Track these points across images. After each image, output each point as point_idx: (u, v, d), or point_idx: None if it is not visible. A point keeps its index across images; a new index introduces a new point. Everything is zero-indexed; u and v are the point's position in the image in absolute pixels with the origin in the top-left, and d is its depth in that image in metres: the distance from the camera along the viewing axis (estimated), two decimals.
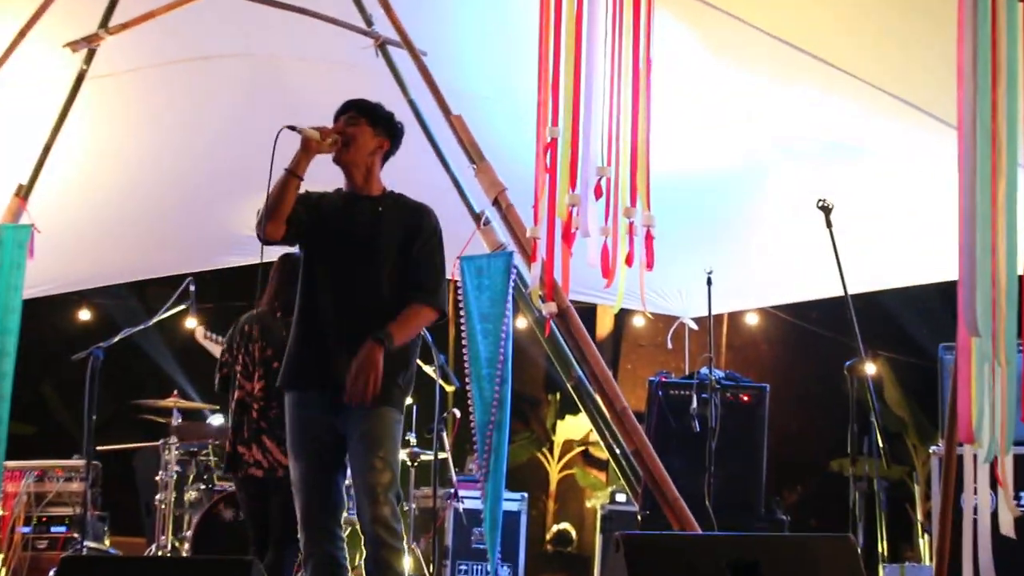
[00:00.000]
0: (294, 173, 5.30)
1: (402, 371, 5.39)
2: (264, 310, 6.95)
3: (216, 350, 7.84)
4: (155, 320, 8.31)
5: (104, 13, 7.90)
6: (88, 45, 7.94)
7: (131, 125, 9.28)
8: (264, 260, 6.32)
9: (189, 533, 8.35)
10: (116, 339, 7.90)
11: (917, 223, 9.19)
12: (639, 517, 8.02)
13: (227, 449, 6.82)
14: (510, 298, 7.61)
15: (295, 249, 5.72)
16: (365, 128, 5.49)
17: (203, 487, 8.77)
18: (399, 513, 5.22)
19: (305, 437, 5.35)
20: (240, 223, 10.75)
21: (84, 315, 13.73)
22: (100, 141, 9.26)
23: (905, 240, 9.58)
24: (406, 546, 5.22)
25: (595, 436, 10.70)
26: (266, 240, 5.37)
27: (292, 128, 5.28)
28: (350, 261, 5.39)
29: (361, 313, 5.32)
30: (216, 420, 9.67)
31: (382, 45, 7.77)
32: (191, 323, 8.65)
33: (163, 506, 8.67)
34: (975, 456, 3.77)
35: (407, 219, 5.49)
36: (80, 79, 8.11)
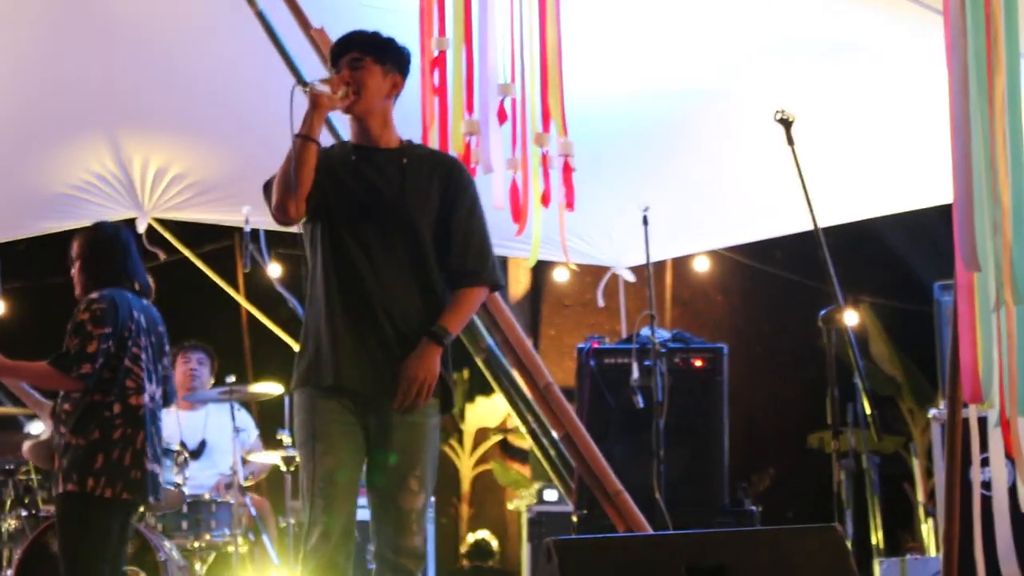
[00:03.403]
0: (311, 137, 5.31)
1: (445, 367, 5.45)
2: (129, 295, 6.95)
3: None
4: None
5: None
6: None
7: None
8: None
9: (10, 572, 8.28)
10: None
11: (902, 135, 9.24)
12: (574, 518, 8.06)
13: (132, 468, 6.79)
14: None
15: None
16: (374, 68, 5.49)
17: (25, 513, 8.69)
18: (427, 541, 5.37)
19: (335, 428, 5.38)
20: (57, 178, 10.62)
21: None
22: None
23: (888, 157, 9.63)
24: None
25: (514, 421, 10.72)
26: (288, 221, 5.39)
27: (304, 86, 5.31)
28: (382, 230, 5.43)
29: (404, 295, 5.41)
30: (35, 428, 9.57)
31: None
32: None
33: None
34: (984, 419, 3.80)
35: (439, 175, 5.53)
36: None
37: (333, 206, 5.44)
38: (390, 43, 5.62)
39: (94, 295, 6.90)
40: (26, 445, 7.30)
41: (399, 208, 5.42)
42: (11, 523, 8.70)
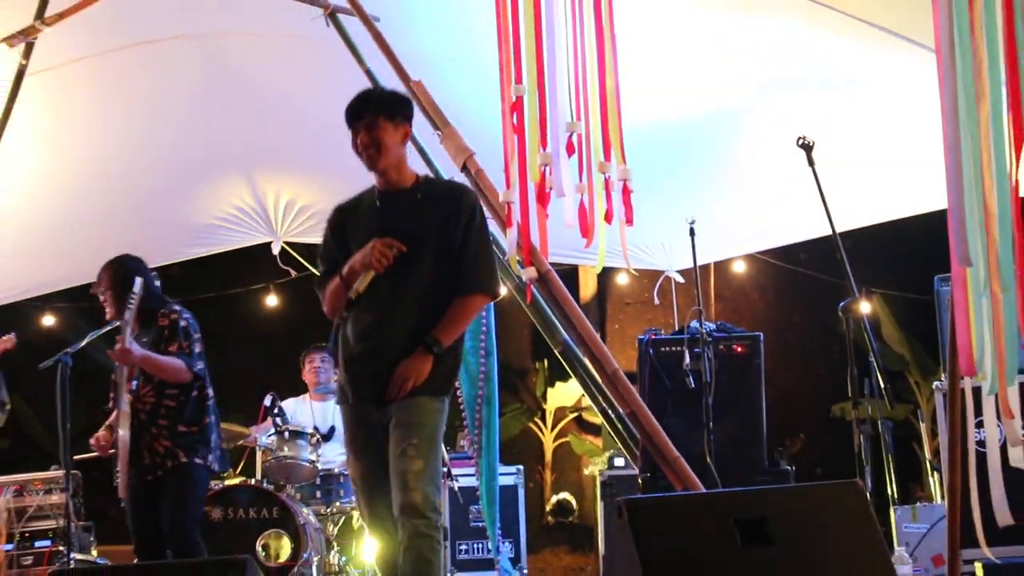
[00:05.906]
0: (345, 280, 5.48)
1: (440, 357, 5.41)
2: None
3: None
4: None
5: (39, 4, 7.80)
6: (25, 39, 7.85)
7: (79, 119, 9.23)
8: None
9: None
10: (84, 342, 7.83)
11: (904, 154, 9.19)
12: (640, 480, 8.02)
13: (220, 447, 6.98)
14: None
15: None
16: (386, 126, 5.47)
17: None
18: (435, 502, 5.22)
19: (360, 436, 5.47)
20: (200, 210, 10.71)
21: (48, 321, 13.61)
22: (47, 138, 9.21)
23: (893, 172, 9.59)
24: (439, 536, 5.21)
25: (587, 401, 10.71)
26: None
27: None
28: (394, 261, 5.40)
29: (408, 314, 5.40)
30: None
31: (332, 13, 7.73)
32: None
33: None
34: (978, 389, 3.77)
35: (444, 203, 5.52)
36: (20, 75, 8.05)
37: (355, 248, 5.48)
38: (395, 97, 5.65)
39: (175, 307, 6.98)
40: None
41: (409, 237, 5.40)
42: None
